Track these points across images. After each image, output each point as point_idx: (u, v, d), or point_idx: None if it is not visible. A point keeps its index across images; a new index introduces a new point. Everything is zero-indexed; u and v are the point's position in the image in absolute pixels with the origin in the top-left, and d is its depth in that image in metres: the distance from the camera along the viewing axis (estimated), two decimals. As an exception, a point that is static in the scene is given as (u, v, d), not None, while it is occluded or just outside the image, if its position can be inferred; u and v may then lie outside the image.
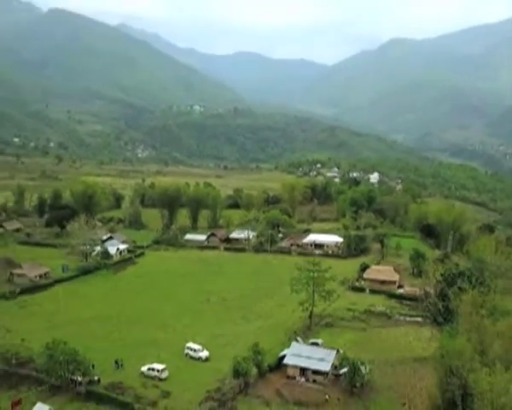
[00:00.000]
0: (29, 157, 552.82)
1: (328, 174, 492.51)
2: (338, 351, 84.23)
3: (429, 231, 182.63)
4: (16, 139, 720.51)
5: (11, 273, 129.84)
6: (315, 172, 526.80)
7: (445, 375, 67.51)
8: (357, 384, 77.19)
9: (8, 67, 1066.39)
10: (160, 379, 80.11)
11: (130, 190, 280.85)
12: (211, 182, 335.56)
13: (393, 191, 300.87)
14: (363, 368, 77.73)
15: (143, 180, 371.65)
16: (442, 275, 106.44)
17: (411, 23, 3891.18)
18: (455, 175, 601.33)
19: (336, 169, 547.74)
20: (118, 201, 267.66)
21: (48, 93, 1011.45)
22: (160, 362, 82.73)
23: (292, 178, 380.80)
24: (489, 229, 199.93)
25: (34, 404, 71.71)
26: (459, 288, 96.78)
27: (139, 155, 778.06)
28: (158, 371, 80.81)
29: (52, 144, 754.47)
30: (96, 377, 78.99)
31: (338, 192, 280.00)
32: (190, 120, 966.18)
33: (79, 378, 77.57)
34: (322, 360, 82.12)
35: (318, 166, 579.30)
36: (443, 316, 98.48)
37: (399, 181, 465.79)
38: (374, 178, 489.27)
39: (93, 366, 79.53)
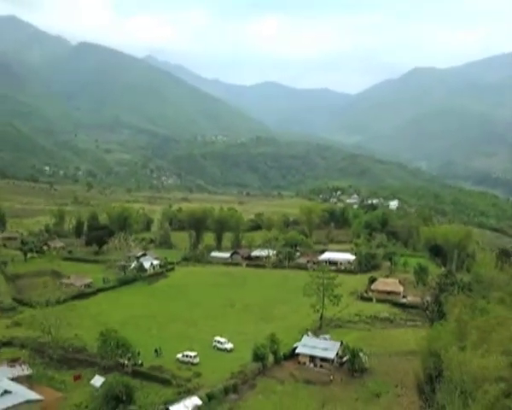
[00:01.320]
0: (60, 185, 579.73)
1: (348, 201, 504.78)
2: (342, 343, 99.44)
3: (437, 251, 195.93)
4: (47, 168, 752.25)
5: (60, 283, 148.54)
6: (335, 199, 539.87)
7: (427, 356, 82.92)
8: (357, 368, 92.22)
9: (39, 99, 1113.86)
10: (193, 364, 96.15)
11: (158, 214, 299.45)
12: (234, 207, 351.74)
13: (408, 215, 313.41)
14: (361, 354, 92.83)
15: (170, 206, 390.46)
16: (437, 283, 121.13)
17: (434, 52, 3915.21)
18: (475, 202, 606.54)
19: (356, 196, 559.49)
20: (148, 224, 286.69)
21: (76, 123, 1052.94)
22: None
23: (311, 203, 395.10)
24: (505, 254, 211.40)
25: (90, 380, 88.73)
26: (450, 294, 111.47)
27: (165, 183, 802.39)
28: (191, 356, 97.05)
29: (81, 172, 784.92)
30: (139, 361, 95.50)
31: (355, 216, 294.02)
32: (214, 149, 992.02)
33: (126, 362, 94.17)
34: (328, 349, 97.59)
35: (338, 192, 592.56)
36: (437, 318, 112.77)
37: (418, 207, 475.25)
38: (393, 204, 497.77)
39: (138, 353, 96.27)
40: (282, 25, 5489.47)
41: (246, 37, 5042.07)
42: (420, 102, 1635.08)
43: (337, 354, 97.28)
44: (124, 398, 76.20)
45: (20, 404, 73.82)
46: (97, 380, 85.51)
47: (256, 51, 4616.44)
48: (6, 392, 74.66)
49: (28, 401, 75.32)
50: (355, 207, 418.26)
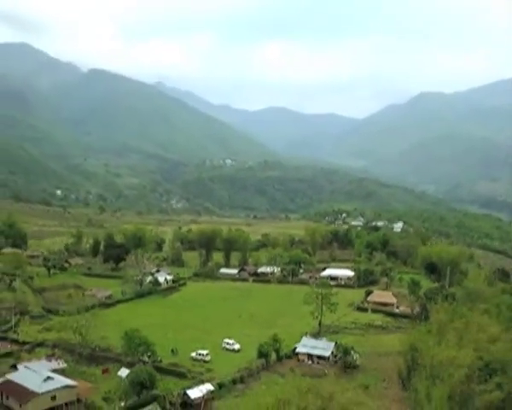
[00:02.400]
0: (73, 208, 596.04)
1: (353, 223, 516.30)
2: (336, 343, 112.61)
3: (432, 268, 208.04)
4: (59, 191, 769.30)
5: (83, 294, 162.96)
6: (340, 222, 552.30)
7: (408, 351, 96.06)
8: (349, 364, 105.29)
9: (49, 124, 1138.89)
10: (205, 361, 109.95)
11: (170, 235, 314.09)
12: (241, 228, 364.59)
13: (408, 236, 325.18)
14: (352, 353, 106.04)
15: (180, 228, 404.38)
16: (424, 294, 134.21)
17: (440, 77, 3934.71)
18: (479, 225, 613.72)
19: (361, 218, 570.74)
20: (159, 245, 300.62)
21: (86, 148, 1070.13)
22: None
23: (316, 225, 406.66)
24: (503, 273, 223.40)
25: (117, 372, 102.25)
26: (435, 302, 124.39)
27: (174, 206, 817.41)
28: (203, 355, 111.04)
29: (91, 196, 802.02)
30: (158, 358, 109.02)
31: (357, 237, 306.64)
32: (222, 173, 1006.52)
33: (147, 359, 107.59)
34: (324, 348, 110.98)
35: (344, 215, 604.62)
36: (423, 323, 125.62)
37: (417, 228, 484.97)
38: (398, 227, 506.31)
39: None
40: (288, 50, 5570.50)
41: (252, 62, 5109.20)
42: (426, 126, 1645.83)
43: (332, 352, 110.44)
44: (147, 384, 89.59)
45: (61, 388, 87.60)
46: (123, 371, 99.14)
47: (262, 76, 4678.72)
48: (49, 378, 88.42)
49: (67, 386, 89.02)
50: (359, 228, 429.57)
